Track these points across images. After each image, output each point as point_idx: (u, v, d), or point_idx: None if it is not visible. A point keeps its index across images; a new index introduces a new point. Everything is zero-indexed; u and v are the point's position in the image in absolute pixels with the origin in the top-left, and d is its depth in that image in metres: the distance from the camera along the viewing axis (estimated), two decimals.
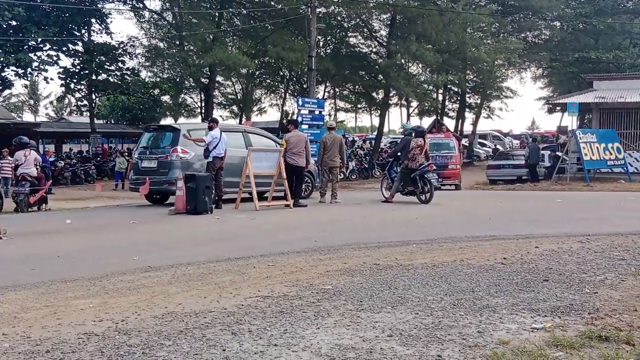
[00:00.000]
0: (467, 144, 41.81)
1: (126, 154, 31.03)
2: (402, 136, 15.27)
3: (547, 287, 5.61)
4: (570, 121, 25.94)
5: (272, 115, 55.99)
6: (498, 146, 46.86)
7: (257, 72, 39.14)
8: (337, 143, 15.45)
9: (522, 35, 40.98)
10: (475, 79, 40.58)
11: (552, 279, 5.91)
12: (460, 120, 44.32)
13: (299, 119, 20.37)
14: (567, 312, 4.78)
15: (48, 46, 30.82)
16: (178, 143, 14.67)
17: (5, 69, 30.02)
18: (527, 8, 37.80)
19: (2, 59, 27.85)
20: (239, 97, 44.99)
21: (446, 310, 4.86)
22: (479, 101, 44.69)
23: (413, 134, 15.10)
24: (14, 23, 28.35)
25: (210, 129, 14.21)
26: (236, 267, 7.02)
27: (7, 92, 48.29)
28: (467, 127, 46.57)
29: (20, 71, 30.92)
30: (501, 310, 4.86)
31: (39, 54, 31.08)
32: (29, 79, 37.46)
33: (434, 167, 14.78)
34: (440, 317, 4.67)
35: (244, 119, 44.68)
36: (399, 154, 15.13)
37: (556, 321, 4.53)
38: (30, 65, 30.57)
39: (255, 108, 53.68)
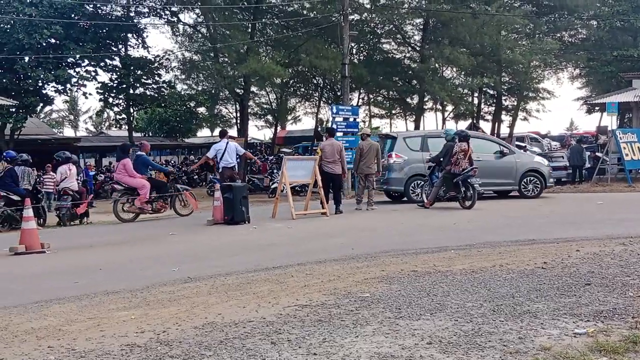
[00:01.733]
0: None
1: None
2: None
3: (589, 291, 5.52)
4: (609, 121, 25.45)
5: (307, 123, 56.18)
6: (535, 148, 46.13)
7: (291, 81, 39.27)
8: (374, 150, 15.46)
9: (558, 35, 40.34)
10: (511, 81, 40.05)
11: (594, 283, 5.81)
12: (496, 123, 43.79)
13: (334, 126, 20.41)
14: (610, 316, 4.70)
15: (86, 62, 31.46)
16: (394, 149, 17.02)
17: (46, 86, 30.71)
18: (562, 8, 37.21)
19: (42, 76, 28.50)
20: (273, 107, 45.23)
21: (486, 317, 4.81)
22: (515, 103, 44.11)
23: (456, 139, 14.97)
24: (52, 41, 29.01)
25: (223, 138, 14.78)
26: (274, 276, 7.06)
27: (47, 108, 49.50)
28: (504, 130, 46.00)
29: (60, 87, 31.59)
30: (542, 315, 4.79)
31: (77, 70, 31.75)
32: (68, 94, 38.26)
33: (477, 172, 14.65)
34: (480, 324, 4.63)
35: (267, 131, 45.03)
36: (441, 159, 15.03)
37: (599, 326, 4.46)
38: (69, 82, 31.23)
39: (290, 117, 53.94)
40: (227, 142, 14.84)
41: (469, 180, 14.17)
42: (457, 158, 14.32)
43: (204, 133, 58.26)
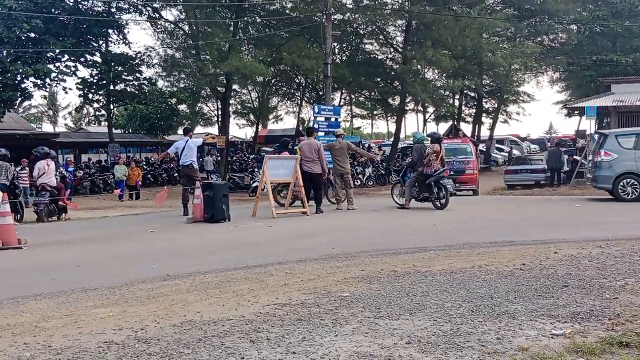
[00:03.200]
0: (484, 149, 41.61)
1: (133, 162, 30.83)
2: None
3: (567, 292, 5.57)
4: (588, 125, 25.71)
5: (289, 122, 56.17)
6: (515, 151, 46.57)
7: (273, 80, 39.22)
8: (345, 148, 15.42)
9: (539, 39, 40.72)
10: (491, 83, 40.39)
11: (572, 285, 5.87)
12: (477, 125, 44.13)
13: (316, 126, 20.39)
14: (587, 318, 4.74)
15: (66, 57, 31.10)
16: (604, 147, 16.62)
17: (25, 80, 30.32)
18: (543, 12, 37.57)
19: (21, 70, 28.14)
20: (255, 105, 45.13)
21: (465, 317, 4.84)
22: (495, 106, 44.49)
23: (429, 140, 15.09)
24: (32, 35, 28.65)
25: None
26: (254, 275, 7.04)
27: (26, 103, 48.98)
28: (485, 132, 46.38)
29: (39, 82, 31.20)
30: (520, 316, 4.83)
31: (57, 64, 31.36)
32: (47, 89, 37.75)
33: (450, 173, 14.77)
34: (459, 324, 4.65)
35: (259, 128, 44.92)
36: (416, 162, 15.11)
37: (576, 327, 4.50)
38: (48, 76, 30.86)
39: (271, 116, 53.83)
40: (187, 140, 14.85)
41: (441, 182, 14.30)
42: (430, 159, 14.45)
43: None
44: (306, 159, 14.52)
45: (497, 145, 46.66)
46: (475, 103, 43.91)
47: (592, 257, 7.40)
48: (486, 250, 8.33)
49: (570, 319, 4.71)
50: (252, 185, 24.38)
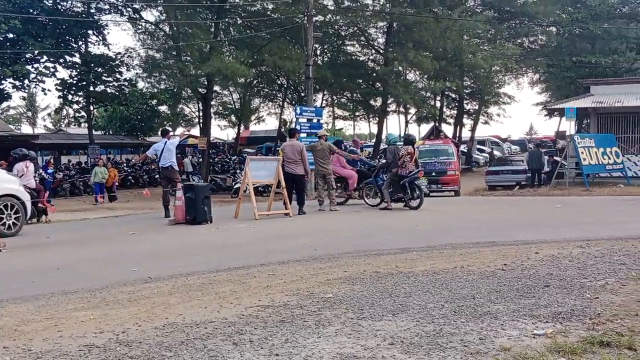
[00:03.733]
0: (465, 150, 41.86)
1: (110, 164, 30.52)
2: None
3: (548, 292, 5.61)
4: (568, 126, 25.96)
5: (271, 124, 56.13)
6: (496, 152, 46.89)
7: (255, 81, 39.14)
8: (326, 149, 15.44)
9: (519, 41, 41.06)
10: (472, 85, 40.65)
11: (553, 285, 5.91)
12: (458, 127, 44.38)
13: (297, 127, 20.37)
14: (568, 317, 4.78)
15: (45, 58, 30.80)
16: None
17: (3, 81, 29.99)
18: (522, 14, 37.89)
19: None
20: (236, 107, 45.02)
21: (447, 318, 4.86)
22: (476, 107, 44.78)
23: (403, 142, 15.25)
24: (10, 35, 28.34)
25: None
26: (236, 277, 7.02)
27: (4, 104, 48.41)
28: (466, 134, 46.67)
29: (18, 83, 30.88)
30: (502, 316, 4.86)
31: (36, 65, 31.04)
32: (26, 90, 37.46)
33: (423, 174, 14.96)
34: (442, 325, 4.67)
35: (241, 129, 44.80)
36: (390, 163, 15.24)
37: (557, 327, 4.53)
38: (27, 77, 30.54)
39: (253, 117, 53.77)
40: (166, 142, 14.81)
41: (415, 182, 14.47)
42: (404, 161, 14.57)
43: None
44: (289, 160, 14.50)
45: (478, 147, 46.99)
46: (457, 104, 44.17)
47: (572, 257, 7.46)
48: (468, 250, 8.37)
49: (552, 319, 4.75)
50: (234, 187, 24.29)
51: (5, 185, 12.78)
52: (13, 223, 12.60)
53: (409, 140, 15.33)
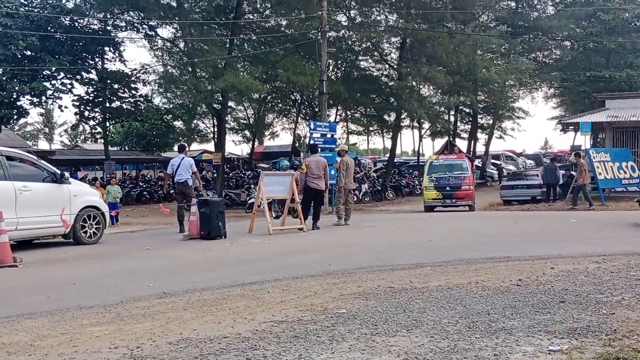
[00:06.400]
0: (480, 165, 41.72)
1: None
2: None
3: (564, 308, 5.56)
4: (583, 140, 25.83)
5: (285, 139, 56.27)
6: (511, 166, 46.65)
7: (269, 97, 39.37)
8: (353, 165, 15.81)
9: (533, 55, 41.01)
10: (486, 99, 40.59)
11: (569, 300, 5.86)
12: (472, 141, 44.29)
13: (311, 142, 20.44)
14: (584, 333, 4.74)
15: (62, 75, 31.17)
16: None
17: (21, 98, 30.38)
18: (536, 28, 37.88)
19: (17, 88, 28.20)
20: (251, 122, 45.23)
21: (462, 333, 4.83)
22: (491, 122, 44.67)
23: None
24: (28, 53, 28.73)
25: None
26: (250, 292, 7.02)
27: (22, 120, 48.94)
28: (480, 148, 46.55)
29: (35, 100, 31.27)
30: (517, 332, 4.82)
31: (53, 82, 31.43)
32: (43, 107, 37.87)
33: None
34: (456, 340, 4.64)
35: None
36: None
37: (573, 343, 4.49)
38: (44, 94, 30.92)
39: (267, 132, 53.97)
40: (183, 158, 15.02)
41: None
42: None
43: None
44: (313, 175, 14.60)
45: (492, 161, 46.81)
46: (471, 119, 44.08)
47: (588, 272, 7.40)
48: (483, 266, 8.32)
49: (568, 335, 4.71)
50: (249, 202, 24.36)
51: (87, 198, 13.51)
52: (94, 232, 13.40)
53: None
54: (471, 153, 40.49)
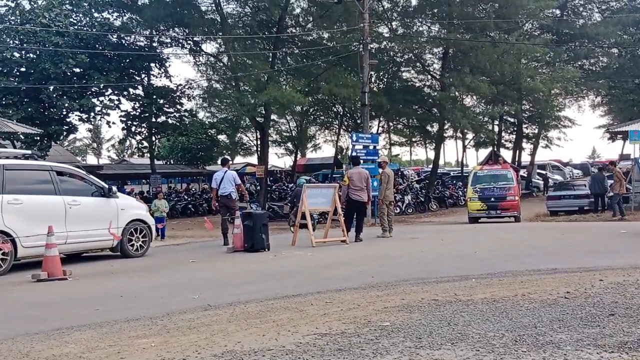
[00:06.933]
0: (525, 175, 41.08)
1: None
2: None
3: (613, 321, 5.43)
4: (632, 149, 25.22)
5: (327, 151, 56.40)
6: (557, 176, 45.83)
7: (311, 109, 39.55)
8: (392, 177, 15.76)
9: (579, 63, 40.25)
10: (531, 109, 39.96)
11: (618, 313, 5.72)
12: (517, 151, 43.66)
13: (353, 153, 20.45)
14: (634, 347, 4.62)
15: (110, 91, 31.94)
16: None
17: (70, 115, 31.21)
18: (582, 36, 37.23)
19: (67, 104, 28.99)
20: (293, 134, 45.49)
21: (508, 347, 4.75)
22: (536, 131, 43.97)
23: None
24: (77, 70, 29.54)
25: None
26: (294, 305, 7.04)
27: (71, 136, 50.22)
28: (525, 158, 45.82)
29: (84, 116, 32.09)
30: (565, 346, 4.72)
31: (101, 99, 32.24)
32: (92, 123, 38.79)
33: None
34: (502, 354, 4.57)
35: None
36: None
37: (624, 357, 4.38)
38: (93, 110, 31.72)
39: (309, 144, 54.20)
40: (226, 171, 15.21)
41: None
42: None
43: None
44: (355, 187, 14.62)
45: (538, 171, 46.04)
46: (515, 129, 43.48)
47: (639, 284, 7.21)
48: (529, 278, 8.18)
49: (618, 349, 4.59)
50: (291, 215, 24.42)
51: (134, 212, 13.81)
52: (140, 245, 13.68)
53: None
54: (516, 163, 39.92)
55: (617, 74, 39.83)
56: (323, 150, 59.57)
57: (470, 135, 41.94)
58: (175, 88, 34.56)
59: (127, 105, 33.78)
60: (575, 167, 58.31)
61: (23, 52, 28.51)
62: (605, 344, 4.72)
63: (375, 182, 18.02)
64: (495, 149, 37.62)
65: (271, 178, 43.17)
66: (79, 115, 31.71)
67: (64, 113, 30.43)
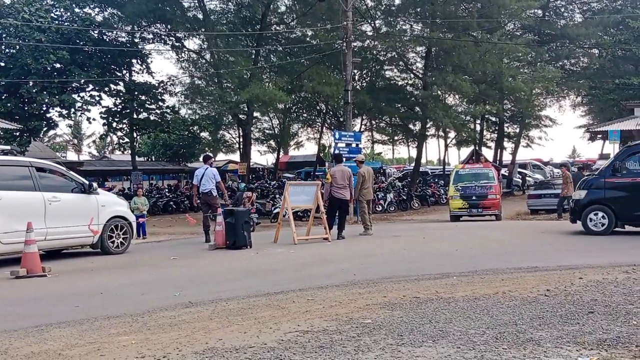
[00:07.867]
0: (506, 174, 41.34)
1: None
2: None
3: (593, 319, 5.49)
4: (612, 149, 25.48)
5: (310, 149, 56.40)
6: (538, 175, 46.18)
7: (294, 107, 39.48)
8: (371, 175, 15.74)
9: (560, 63, 40.57)
10: (513, 108, 40.21)
11: (598, 311, 5.78)
12: (499, 150, 43.92)
13: (336, 151, 20.46)
14: (613, 345, 4.67)
15: (91, 87, 31.72)
16: None
17: (50, 110, 30.95)
18: (563, 36, 37.53)
19: (47, 100, 28.73)
20: (276, 132, 45.40)
21: (489, 344, 4.78)
22: (517, 130, 44.25)
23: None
24: (58, 65, 29.27)
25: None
26: (275, 302, 7.03)
27: (51, 132, 49.74)
28: (507, 157, 46.12)
29: (64, 112, 31.83)
30: (545, 343, 4.76)
31: (82, 94, 32.00)
32: (72, 119, 38.43)
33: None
34: (483, 351, 4.60)
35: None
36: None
37: (603, 354, 4.43)
38: (73, 106, 31.46)
39: (292, 142, 54.14)
40: (207, 168, 15.11)
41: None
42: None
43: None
44: (338, 185, 14.59)
45: (519, 170, 46.36)
46: (497, 128, 43.73)
47: (618, 282, 7.29)
48: (510, 276, 8.24)
49: (597, 346, 4.64)
50: (274, 212, 24.41)
51: (115, 208, 13.64)
52: (121, 242, 13.53)
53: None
54: (497, 162, 40.13)
55: (597, 74, 40.23)
56: (306, 147, 59.47)
57: (452, 134, 42.08)
58: (157, 84, 34.38)
59: (108, 101, 33.61)
60: (556, 166, 58.73)
61: (2, 46, 28.19)
62: (584, 342, 4.76)
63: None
64: (477, 148, 37.82)
65: (253, 175, 43.05)
66: (59, 111, 31.47)
67: (44, 109, 30.17)
